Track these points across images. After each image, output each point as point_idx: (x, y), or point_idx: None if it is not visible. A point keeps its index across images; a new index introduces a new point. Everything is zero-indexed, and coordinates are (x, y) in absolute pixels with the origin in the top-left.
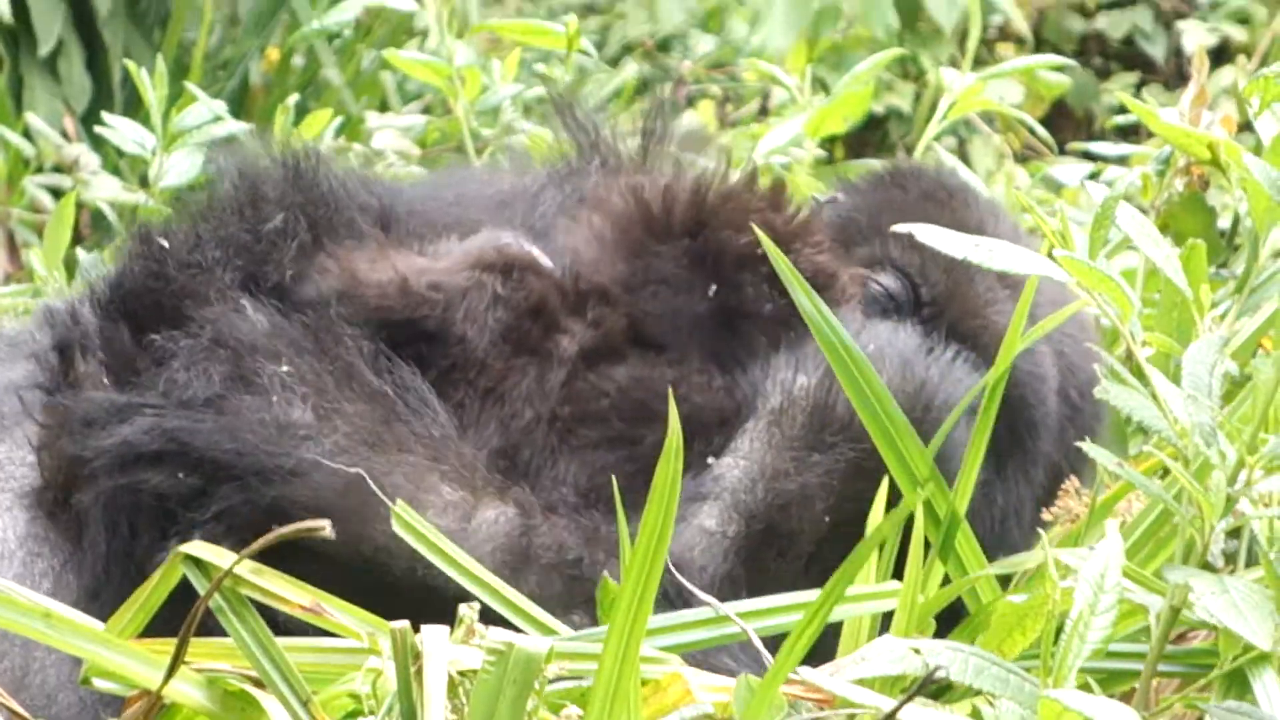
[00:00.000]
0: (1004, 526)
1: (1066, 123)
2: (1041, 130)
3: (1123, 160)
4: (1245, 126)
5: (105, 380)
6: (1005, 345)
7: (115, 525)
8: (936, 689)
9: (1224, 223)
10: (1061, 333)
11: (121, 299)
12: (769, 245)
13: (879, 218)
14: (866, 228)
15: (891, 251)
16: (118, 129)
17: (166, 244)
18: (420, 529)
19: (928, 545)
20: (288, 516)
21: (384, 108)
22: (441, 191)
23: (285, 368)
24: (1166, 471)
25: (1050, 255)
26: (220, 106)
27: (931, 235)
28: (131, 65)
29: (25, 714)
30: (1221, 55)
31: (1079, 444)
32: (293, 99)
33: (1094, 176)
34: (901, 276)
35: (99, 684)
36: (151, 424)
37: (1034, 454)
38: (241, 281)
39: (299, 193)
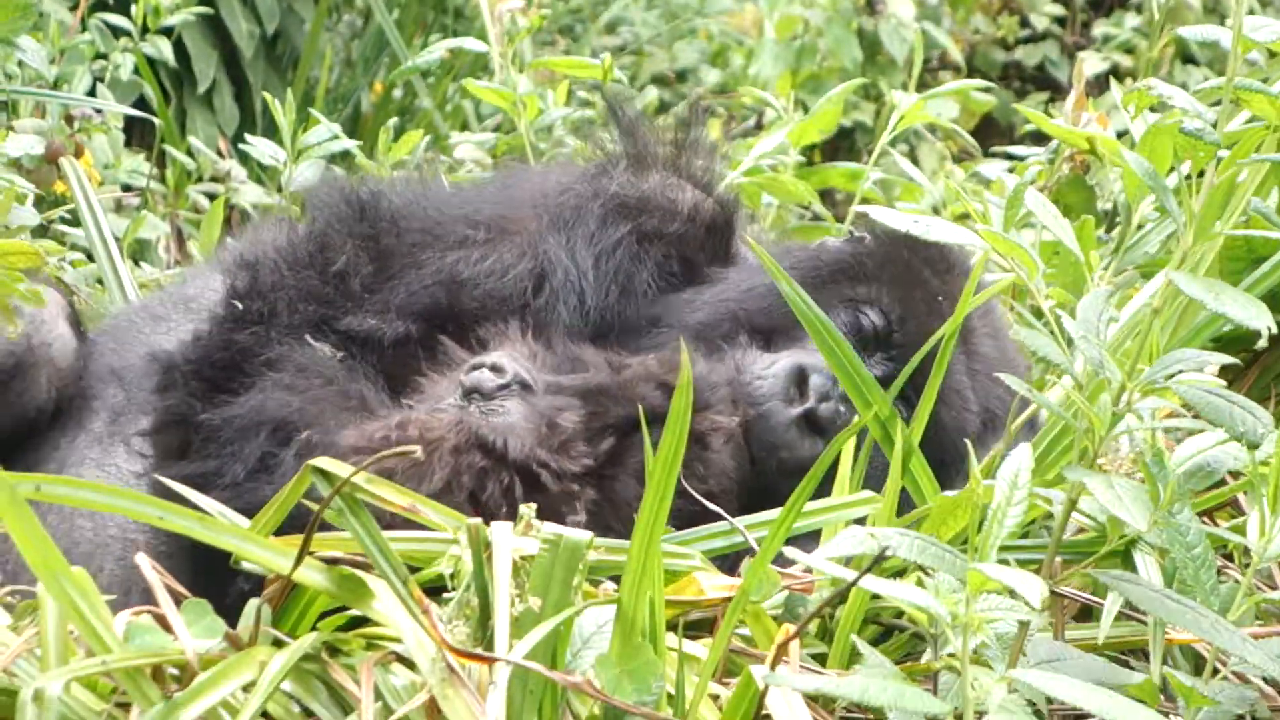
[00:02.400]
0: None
1: (992, 132)
2: (969, 139)
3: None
4: (1124, 133)
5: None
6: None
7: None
8: (896, 570)
9: (1102, 204)
10: (985, 362)
11: (198, 360)
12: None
13: (883, 268)
14: (871, 271)
15: (883, 297)
16: (257, 147)
17: (241, 306)
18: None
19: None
20: None
21: (465, 128)
22: (494, 192)
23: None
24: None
25: (974, 230)
26: (337, 128)
27: (882, 214)
28: (269, 97)
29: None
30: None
31: (998, 375)
32: (392, 122)
33: (1012, 172)
34: (884, 317)
35: (246, 565)
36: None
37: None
38: (311, 323)
39: (364, 224)
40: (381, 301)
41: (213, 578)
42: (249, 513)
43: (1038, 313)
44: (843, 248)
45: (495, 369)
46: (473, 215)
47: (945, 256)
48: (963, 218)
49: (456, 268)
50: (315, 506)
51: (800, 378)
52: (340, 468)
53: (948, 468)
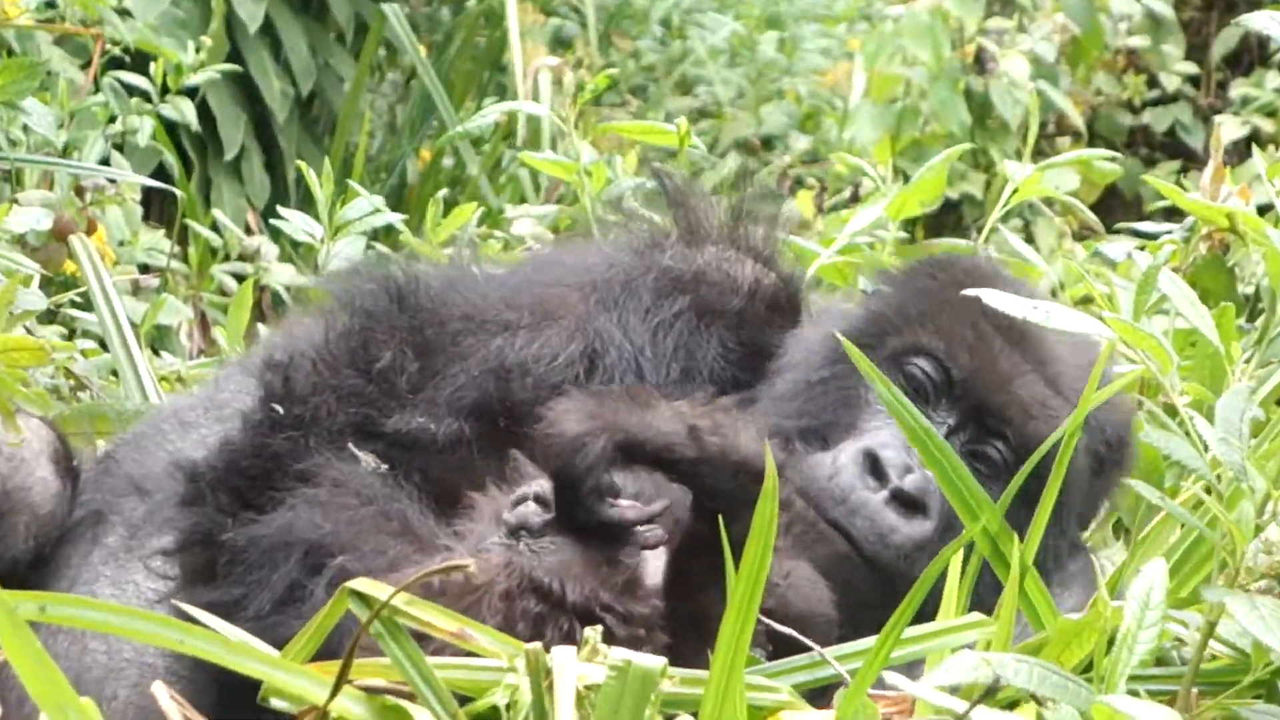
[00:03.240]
0: (1044, 569)
1: (1118, 205)
2: (1090, 214)
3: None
4: (1268, 208)
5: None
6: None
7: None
8: (1010, 701)
9: (1244, 288)
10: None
11: (225, 469)
12: None
13: (907, 308)
14: (895, 318)
15: (921, 339)
16: (291, 220)
17: (281, 410)
18: None
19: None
20: None
21: (521, 199)
22: (531, 272)
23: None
24: (1199, 505)
25: (1100, 317)
26: (379, 201)
27: (995, 299)
28: (303, 165)
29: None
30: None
31: (1124, 482)
32: (442, 194)
33: (1142, 249)
34: (933, 360)
35: (275, 703)
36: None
37: (1065, 515)
38: (354, 427)
39: (405, 316)
40: (428, 399)
41: (239, 709)
42: (276, 647)
43: (1170, 411)
44: (858, 309)
45: (540, 500)
46: (513, 298)
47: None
48: (1085, 302)
49: (503, 354)
50: (353, 631)
51: (871, 460)
52: (379, 589)
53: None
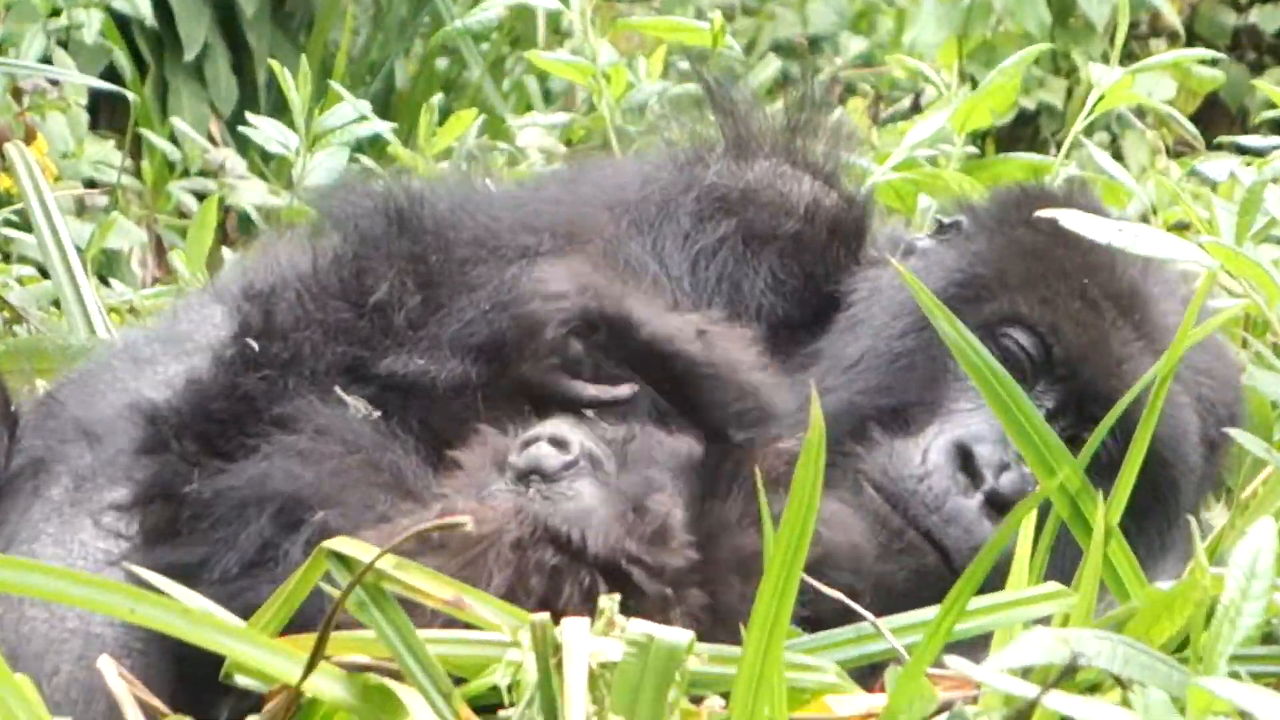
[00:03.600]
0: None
1: (1220, 118)
2: (1188, 126)
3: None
4: None
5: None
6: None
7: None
8: (1092, 684)
9: None
10: (1198, 372)
11: (191, 412)
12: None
13: (1006, 272)
14: (990, 279)
15: (1021, 308)
16: (261, 129)
17: (257, 346)
18: None
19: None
20: None
21: (528, 108)
22: (558, 190)
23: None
24: None
25: (1198, 243)
26: (364, 106)
27: (1074, 220)
28: (276, 66)
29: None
30: None
31: (1226, 431)
32: (436, 99)
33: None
34: (1034, 334)
35: (240, 681)
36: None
37: (1174, 511)
38: (342, 368)
39: (406, 240)
40: (430, 337)
41: (200, 686)
42: (243, 617)
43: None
44: (941, 254)
45: (557, 443)
46: (532, 220)
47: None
48: (1180, 227)
49: (518, 285)
50: (332, 599)
51: (964, 457)
52: (363, 550)
53: (1164, 516)
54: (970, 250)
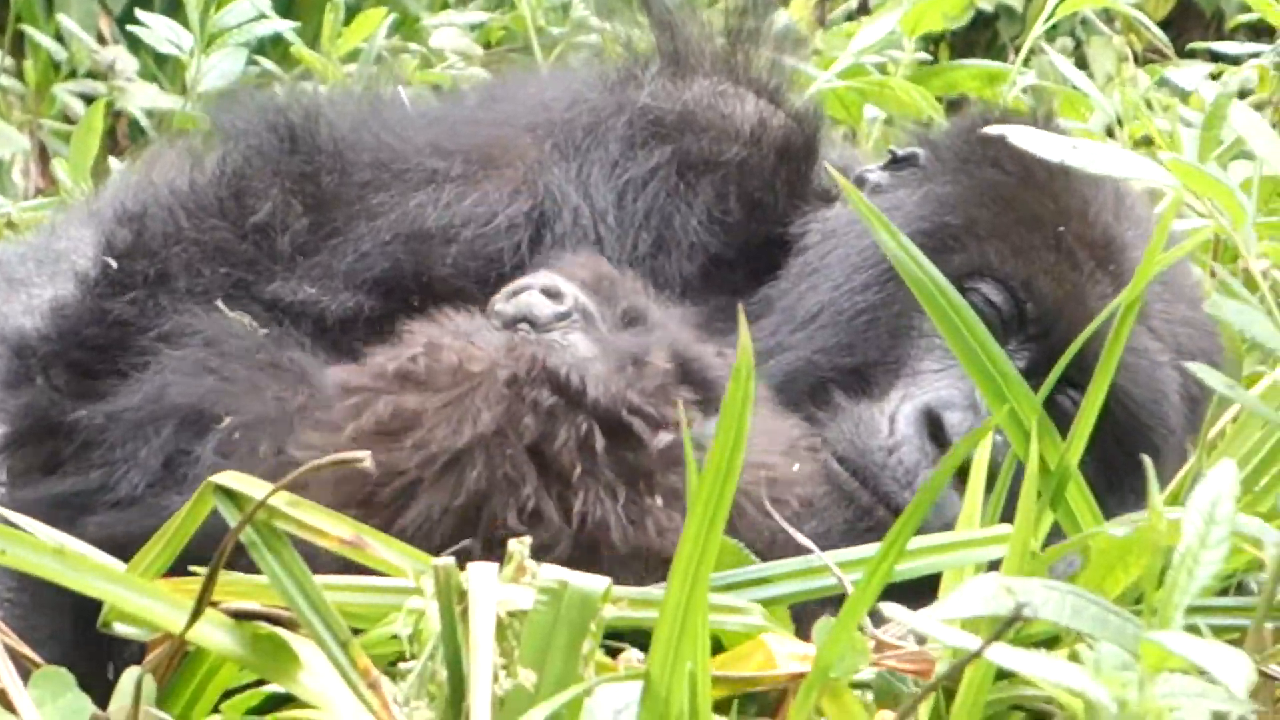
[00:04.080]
0: None
1: (1193, 22)
2: (1157, 31)
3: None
4: None
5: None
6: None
7: None
8: (1046, 638)
9: None
10: (1175, 322)
11: (62, 341)
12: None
13: (975, 221)
14: (961, 231)
15: (993, 260)
16: (152, 28)
17: (115, 264)
18: None
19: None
20: None
21: (445, 5)
22: (475, 108)
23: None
24: None
25: (1160, 161)
26: (264, 3)
27: (1024, 138)
28: None
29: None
30: None
31: (1187, 366)
32: None
33: (1216, 78)
34: (1005, 289)
35: (120, 629)
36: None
37: (1158, 467)
38: (220, 290)
39: (298, 159)
40: (322, 265)
41: (90, 636)
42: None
43: (1250, 282)
44: (898, 194)
45: (550, 293)
46: (444, 142)
47: (1044, 160)
48: (1148, 142)
49: (423, 215)
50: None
51: (934, 424)
52: (253, 485)
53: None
54: (935, 194)
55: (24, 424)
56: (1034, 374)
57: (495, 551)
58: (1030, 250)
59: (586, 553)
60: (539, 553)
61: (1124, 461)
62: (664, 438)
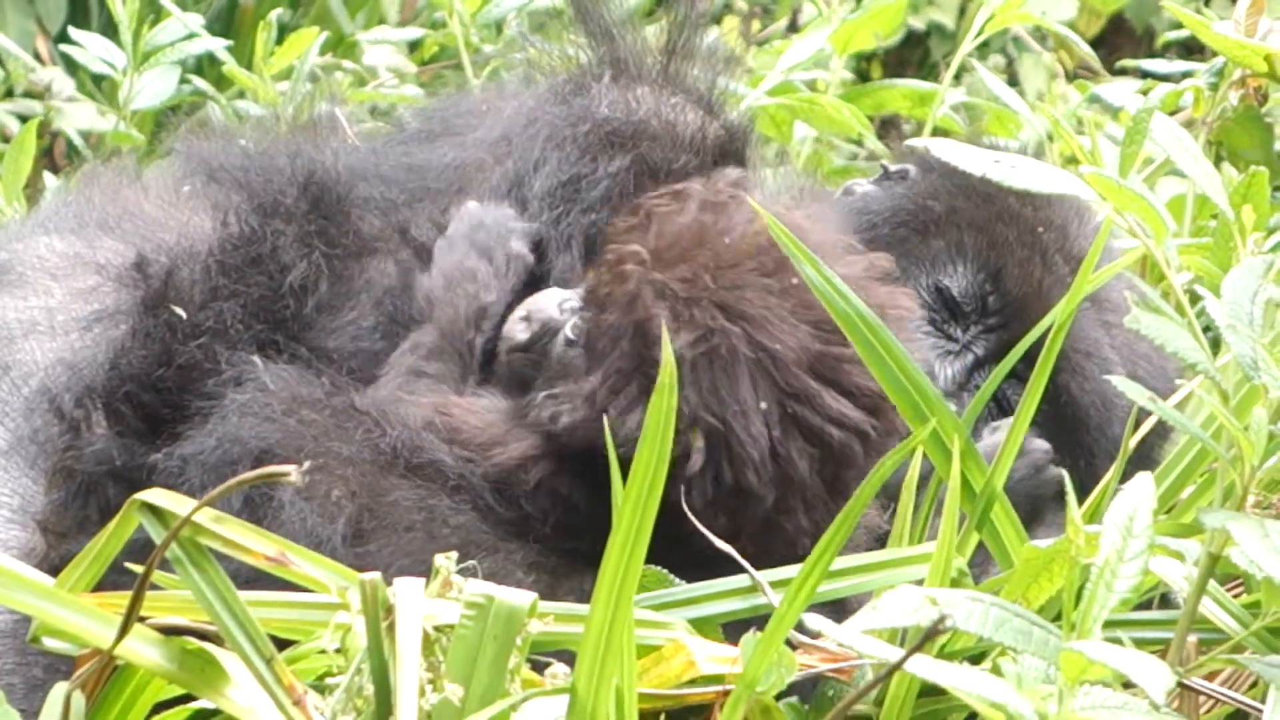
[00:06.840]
0: None
1: (1124, 40)
2: (1088, 49)
3: (1182, 79)
4: None
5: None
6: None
7: None
8: (972, 653)
9: None
10: (1138, 356)
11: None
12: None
13: (957, 210)
14: (942, 217)
15: (966, 249)
16: (86, 47)
17: (184, 314)
18: None
19: None
20: None
21: (380, 21)
22: (439, 142)
23: None
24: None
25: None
26: (195, 21)
27: (944, 149)
28: None
29: None
30: None
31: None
32: (275, 14)
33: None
34: (972, 276)
35: (49, 643)
36: None
37: (1089, 477)
38: (260, 343)
39: (320, 220)
40: (350, 325)
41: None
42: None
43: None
44: (889, 192)
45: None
46: (430, 182)
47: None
48: (1076, 161)
49: (409, 274)
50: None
51: None
52: (175, 502)
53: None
54: (921, 187)
55: (96, 471)
56: (989, 362)
57: None
58: (1005, 244)
59: None
60: None
61: (1067, 463)
62: None
